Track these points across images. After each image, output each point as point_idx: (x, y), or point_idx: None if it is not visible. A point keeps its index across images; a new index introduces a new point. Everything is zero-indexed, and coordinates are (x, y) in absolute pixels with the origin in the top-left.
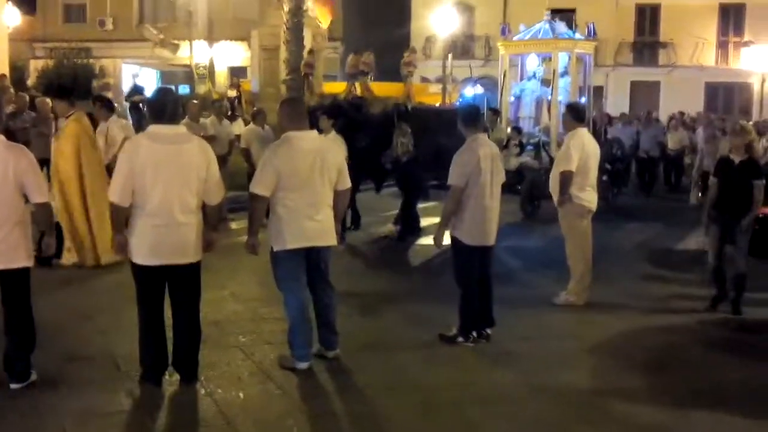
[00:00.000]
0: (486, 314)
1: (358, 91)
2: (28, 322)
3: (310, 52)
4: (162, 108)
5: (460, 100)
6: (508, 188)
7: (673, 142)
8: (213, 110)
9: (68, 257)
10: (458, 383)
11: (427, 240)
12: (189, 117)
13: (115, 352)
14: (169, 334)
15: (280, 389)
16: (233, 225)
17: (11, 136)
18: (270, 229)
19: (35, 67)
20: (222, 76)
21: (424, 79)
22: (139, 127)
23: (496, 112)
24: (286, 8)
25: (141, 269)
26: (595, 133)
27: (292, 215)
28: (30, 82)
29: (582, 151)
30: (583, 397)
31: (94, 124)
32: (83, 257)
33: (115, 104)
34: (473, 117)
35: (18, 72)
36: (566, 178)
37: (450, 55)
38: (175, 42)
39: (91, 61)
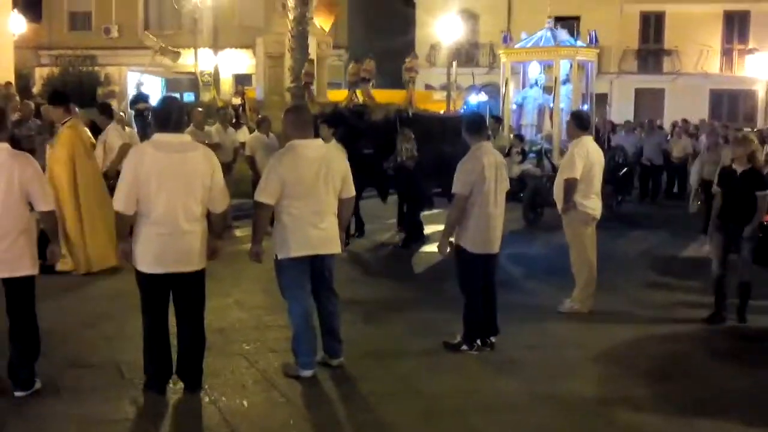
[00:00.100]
0: (490, 322)
1: (360, 98)
2: (32, 330)
3: (310, 61)
4: (167, 116)
5: (465, 107)
6: (510, 196)
7: (677, 150)
8: (218, 118)
9: (63, 264)
10: (462, 391)
11: (431, 247)
12: (194, 125)
13: (118, 359)
14: (173, 341)
15: (284, 397)
16: (238, 232)
17: (16, 143)
18: (274, 237)
19: (41, 74)
20: (227, 84)
21: (429, 87)
22: (143, 134)
23: (498, 119)
24: (291, 16)
25: (145, 277)
26: (598, 141)
27: (296, 223)
28: (35, 89)
29: (586, 159)
30: (587, 406)
31: (99, 131)
32: (76, 264)
33: (120, 112)
34: (478, 125)
35: (23, 79)
36: (570, 186)
37: (454, 63)
38: (176, 50)
39: (96, 68)
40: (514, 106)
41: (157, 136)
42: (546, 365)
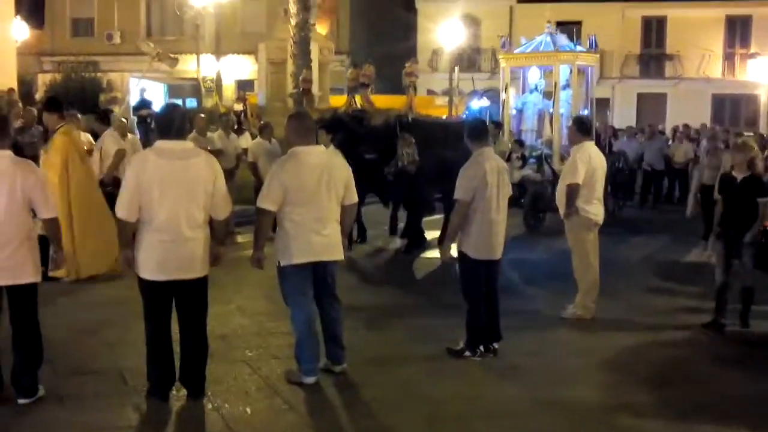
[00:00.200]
0: (493, 328)
1: (359, 103)
2: (35, 338)
3: (308, 67)
4: (169, 123)
5: (467, 112)
6: (510, 202)
7: (678, 155)
8: (220, 124)
9: (54, 270)
10: (465, 397)
11: (434, 253)
12: (196, 131)
13: (121, 366)
14: (176, 348)
15: (287, 404)
16: (240, 238)
17: (19, 150)
18: (277, 243)
19: (43, 80)
20: (229, 90)
21: (431, 92)
22: (146, 141)
23: (498, 125)
24: (293, 22)
25: (148, 284)
26: (599, 146)
27: (298, 230)
28: (38, 96)
29: (588, 165)
30: (589, 412)
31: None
32: (67, 270)
33: (122, 118)
34: (480, 131)
35: (26, 86)
36: (573, 191)
37: (456, 68)
38: (174, 56)
39: (98, 74)
40: (514, 112)
41: (160, 143)
42: (548, 371)
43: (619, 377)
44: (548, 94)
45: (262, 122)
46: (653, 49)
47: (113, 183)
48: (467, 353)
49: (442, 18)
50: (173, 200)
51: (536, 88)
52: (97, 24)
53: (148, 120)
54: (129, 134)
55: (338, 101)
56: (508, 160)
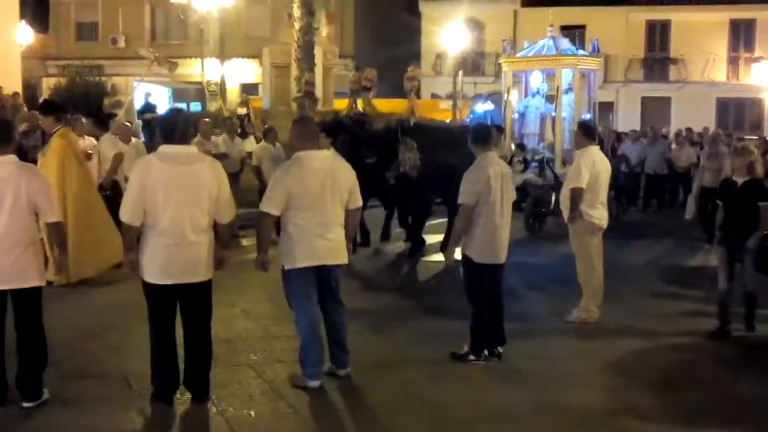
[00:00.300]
0: (497, 332)
1: (360, 107)
2: (40, 341)
3: (311, 71)
4: (172, 128)
5: (471, 116)
6: (513, 206)
7: (681, 159)
8: (225, 128)
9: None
10: (469, 401)
11: (437, 257)
12: (200, 135)
13: (126, 370)
14: (180, 352)
15: (292, 408)
16: (244, 242)
17: (23, 154)
18: (281, 247)
19: (48, 85)
20: (234, 93)
21: (435, 96)
22: (151, 144)
23: (500, 129)
24: (297, 26)
25: (152, 288)
26: (602, 151)
27: (302, 234)
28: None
29: (592, 169)
30: (594, 416)
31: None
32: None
33: (127, 122)
34: (484, 136)
35: (31, 90)
36: (576, 196)
37: (460, 72)
38: (173, 60)
39: (103, 78)
40: (516, 115)
41: (163, 148)
42: (553, 375)
43: (623, 381)
44: (550, 98)
45: (266, 126)
46: (657, 53)
47: (112, 187)
48: (471, 357)
49: (446, 22)
50: (177, 204)
51: (538, 92)
52: (101, 28)
53: (153, 123)
54: (133, 138)
55: (342, 105)
56: (510, 163)
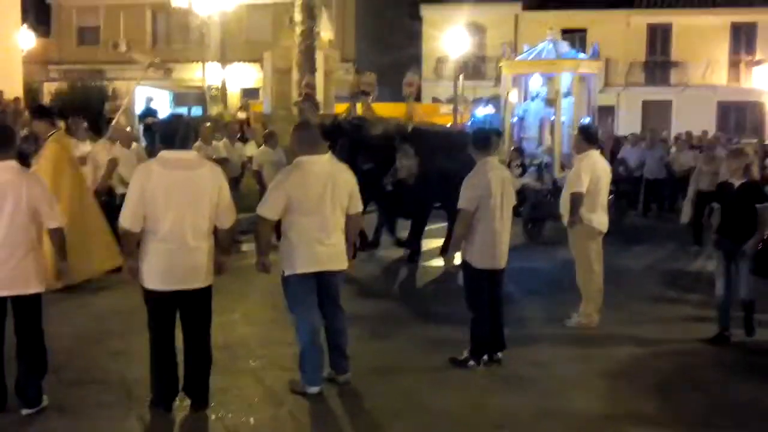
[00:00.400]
0: (497, 337)
1: (359, 111)
2: (39, 348)
3: (311, 73)
4: (172, 133)
5: (472, 120)
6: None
7: (679, 163)
8: (225, 132)
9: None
10: (469, 407)
11: (437, 262)
12: (201, 139)
13: (125, 376)
14: (180, 358)
15: (291, 414)
16: (244, 247)
17: (24, 159)
18: (281, 253)
19: (49, 89)
20: (235, 98)
21: (436, 100)
22: (152, 149)
23: (498, 133)
24: (298, 30)
25: (152, 294)
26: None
27: (303, 239)
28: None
29: (592, 173)
30: (594, 421)
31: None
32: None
33: (128, 127)
34: (485, 140)
35: (32, 94)
36: (576, 200)
37: (461, 76)
38: (168, 66)
39: (104, 83)
40: (515, 119)
41: (163, 153)
42: (553, 380)
43: (623, 386)
44: (550, 102)
45: (267, 130)
46: (658, 57)
47: (107, 193)
48: (471, 362)
49: (447, 26)
50: (178, 210)
51: (538, 96)
52: (103, 32)
53: (154, 128)
54: (134, 143)
55: (342, 109)
56: (508, 168)
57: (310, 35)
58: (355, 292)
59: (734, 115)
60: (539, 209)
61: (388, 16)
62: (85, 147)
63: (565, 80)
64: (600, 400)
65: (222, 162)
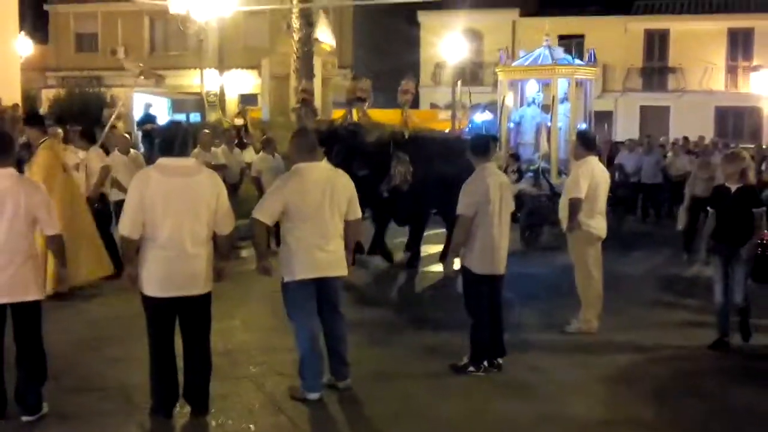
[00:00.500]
0: (497, 343)
1: (355, 117)
2: (39, 355)
3: (308, 79)
4: (171, 141)
5: (470, 126)
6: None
7: (675, 167)
8: (224, 139)
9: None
10: (469, 413)
11: (437, 267)
12: (200, 146)
13: (125, 383)
14: (180, 364)
15: (291, 421)
16: (244, 253)
17: (19, 166)
18: (281, 259)
19: (47, 96)
20: (233, 104)
21: (434, 106)
22: (150, 155)
23: (494, 139)
24: (296, 37)
25: (152, 301)
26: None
27: (302, 246)
28: (42, 111)
29: (591, 179)
30: (593, 427)
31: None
32: None
33: (126, 133)
34: (483, 147)
35: (30, 101)
36: (575, 206)
37: (459, 82)
38: (160, 74)
39: (102, 89)
40: (512, 125)
41: (162, 161)
42: (553, 386)
43: (622, 392)
44: (546, 108)
45: (265, 137)
46: (656, 62)
47: (100, 200)
48: (471, 369)
49: (444, 32)
50: (176, 217)
51: (534, 102)
52: (101, 39)
53: (153, 134)
54: (132, 150)
55: (340, 115)
56: (504, 173)
57: (308, 42)
58: (354, 299)
59: (732, 120)
60: (536, 215)
61: (386, 23)
62: (80, 154)
63: (561, 86)
64: (599, 406)
65: (221, 168)
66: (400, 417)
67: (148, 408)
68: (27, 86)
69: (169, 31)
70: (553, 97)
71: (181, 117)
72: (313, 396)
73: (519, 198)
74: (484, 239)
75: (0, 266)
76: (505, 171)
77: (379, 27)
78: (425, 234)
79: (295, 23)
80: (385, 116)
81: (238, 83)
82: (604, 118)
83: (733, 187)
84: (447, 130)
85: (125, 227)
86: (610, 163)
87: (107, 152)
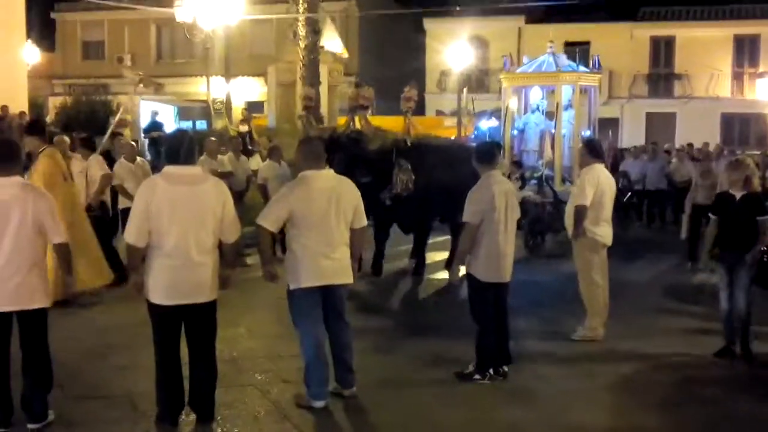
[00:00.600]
0: (503, 351)
1: (358, 125)
2: (45, 362)
3: (310, 85)
4: (176, 149)
5: (475, 132)
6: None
7: (680, 174)
8: (230, 146)
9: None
10: (474, 421)
11: (443, 275)
12: (207, 153)
13: (131, 391)
14: (185, 372)
15: (297, 428)
16: (249, 260)
17: (24, 174)
18: (286, 267)
19: (54, 104)
20: (239, 112)
21: (440, 113)
22: (157, 163)
23: (499, 146)
24: (302, 45)
25: (157, 309)
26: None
27: (307, 253)
28: (49, 118)
29: (597, 187)
30: None
31: (110, 161)
32: None
33: (132, 141)
34: (489, 154)
35: (37, 109)
36: (580, 213)
37: (465, 89)
38: (159, 82)
39: (109, 97)
40: (515, 132)
41: (168, 169)
42: (558, 394)
43: (628, 399)
44: (550, 115)
45: (271, 144)
46: (662, 69)
47: (100, 208)
48: (477, 376)
49: (450, 39)
50: (182, 225)
51: (538, 108)
52: (107, 47)
53: (159, 142)
54: (138, 158)
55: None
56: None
57: (314, 49)
58: (359, 306)
59: (738, 126)
60: (540, 222)
61: (392, 30)
62: (83, 162)
63: (565, 93)
64: (605, 414)
65: (227, 176)
66: (406, 425)
67: (153, 416)
68: (34, 94)
69: (176, 39)
70: (557, 103)
71: (187, 124)
72: (319, 404)
73: (522, 205)
74: (490, 247)
75: (7, 275)
76: (508, 178)
77: (385, 34)
78: (430, 241)
79: (301, 31)
80: (389, 124)
81: (244, 91)
82: (610, 124)
83: (738, 195)
84: (453, 137)
85: (131, 235)
86: (613, 170)
87: (114, 160)
